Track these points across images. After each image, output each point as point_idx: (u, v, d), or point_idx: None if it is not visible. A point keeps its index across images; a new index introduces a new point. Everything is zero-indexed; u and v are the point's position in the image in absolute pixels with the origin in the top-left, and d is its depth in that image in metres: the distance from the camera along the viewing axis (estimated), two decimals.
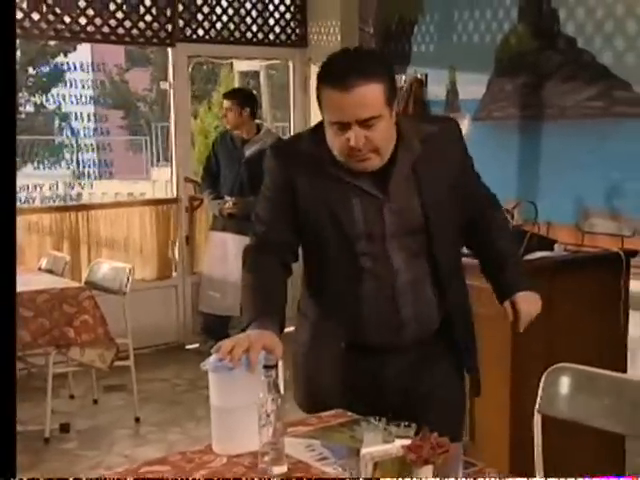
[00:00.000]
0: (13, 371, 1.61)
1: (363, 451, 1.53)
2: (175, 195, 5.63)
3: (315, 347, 2.10)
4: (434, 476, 1.48)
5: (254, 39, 5.83)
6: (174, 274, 5.65)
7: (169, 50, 5.48)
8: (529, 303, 1.99)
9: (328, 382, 2.08)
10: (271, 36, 5.90)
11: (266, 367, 1.77)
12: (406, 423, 1.73)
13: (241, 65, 7.01)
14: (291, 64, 6.06)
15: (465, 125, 5.12)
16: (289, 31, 5.97)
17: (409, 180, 1.91)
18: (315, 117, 6.01)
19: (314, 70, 5.98)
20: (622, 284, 3.24)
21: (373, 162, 1.86)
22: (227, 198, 5.22)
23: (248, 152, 5.30)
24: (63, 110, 18.50)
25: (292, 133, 6.17)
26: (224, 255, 5.33)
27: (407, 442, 1.52)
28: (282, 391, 1.80)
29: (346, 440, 1.89)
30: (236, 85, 6.89)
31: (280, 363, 1.86)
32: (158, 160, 17.73)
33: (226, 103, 5.20)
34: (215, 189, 5.32)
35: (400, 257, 1.94)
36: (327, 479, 1.67)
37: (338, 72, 1.77)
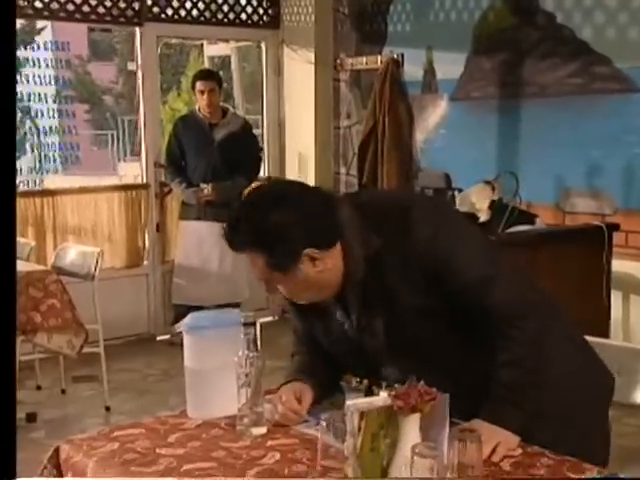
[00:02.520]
0: (13, 370, 1.61)
1: (347, 402, 1.52)
2: (145, 180, 5.58)
3: None
4: (421, 427, 1.48)
5: (225, 19, 5.80)
6: (144, 262, 5.60)
7: (137, 30, 5.44)
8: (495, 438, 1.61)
9: None
10: (243, 16, 5.88)
11: (245, 325, 1.76)
12: (388, 383, 1.73)
13: (211, 49, 6.96)
14: (263, 46, 6.04)
15: (442, 106, 5.15)
16: (261, 11, 5.95)
17: (362, 302, 1.75)
18: (289, 104, 6.06)
19: (287, 52, 5.98)
20: (605, 258, 3.27)
21: (309, 301, 1.78)
22: (203, 185, 5.18)
23: (219, 136, 5.28)
24: (25, 103, 18.29)
25: (265, 124, 6.14)
26: (199, 244, 5.30)
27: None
28: (259, 349, 1.79)
29: (325, 405, 1.89)
30: None
31: (258, 322, 1.84)
32: (125, 155, 17.62)
33: (207, 85, 5.14)
34: (185, 177, 5.28)
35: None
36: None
37: (227, 240, 1.70)
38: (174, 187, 5.35)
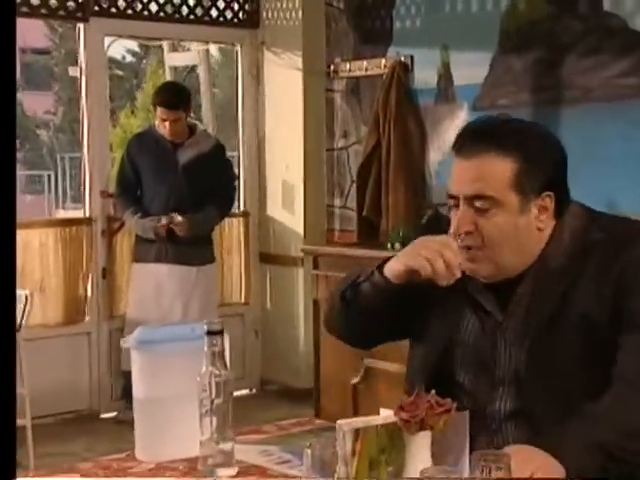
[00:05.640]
0: (13, 371, 1.68)
1: (339, 422, 1.51)
2: (88, 214, 5.61)
3: None
4: (433, 453, 1.47)
5: (191, 16, 5.91)
6: (86, 318, 5.59)
7: (80, 27, 5.52)
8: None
9: None
10: (213, 12, 5.99)
11: (210, 334, 1.75)
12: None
13: (174, 58, 7.08)
14: (239, 49, 6.14)
15: (462, 117, 5.21)
16: (236, 7, 6.06)
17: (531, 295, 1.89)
18: (271, 120, 6.12)
19: (269, 57, 6.07)
20: None
21: (482, 267, 1.88)
22: (164, 220, 5.19)
23: (184, 157, 5.32)
24: None
25: (242, 148, 6.20)
26: (158, 293, 5.32)
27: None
28: (228, 367, 1.78)
29: None
30: None
31: (226, 336, 1.83)
32: (65, 201, 17.68)
33: (171, 114, 5.17)
34: (140, 207, 5.30)
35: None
36: None
37: (465, 135, 1.90)
38: (127, 219, 5.36)
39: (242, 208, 6.15)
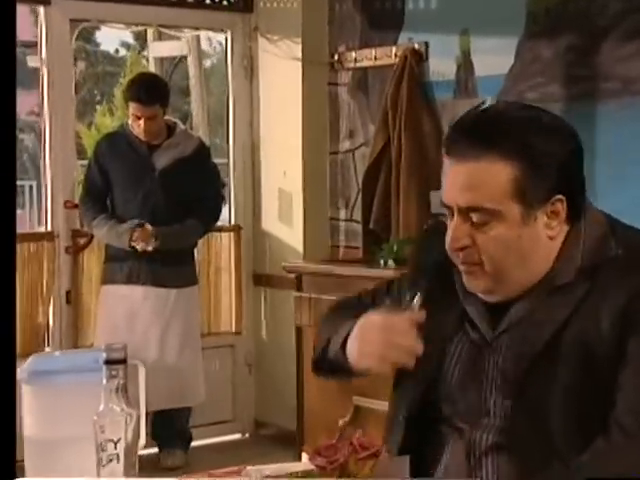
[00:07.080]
0: (13, 370, 1.70)
1: (248, 468, 1.46)
2: (49, 228, 5.60)
3: None
4: None
5: None
6: (47, 349, 5.55)
7: (41, 10, 5.52)
8: None
9: None
10: None
11: (109, 363, 1.70)
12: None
13: (159, 48, 7.05)
14: (229, 36, 6.14)
15: None
16: None
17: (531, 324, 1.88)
18: (266, 119, 6.09)
19: (263, 45, 6.05)
20: None
21: (480, 283, 1.87)
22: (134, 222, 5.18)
23: (161, 162, 5.31)
24: None
25: (232, 151, 6.21)
26: (130, 320, 5.29)
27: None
28: (143, 406, 1.73)
29: None
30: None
31: (140, 367, 1.78)
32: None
33: (145, 111, 5.17)
34: (111, 215, 5.28)
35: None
36: None
37: (457, 132, 1.85)
38: (96, 228, 5.32)
39: (233, 221, 6.13)
